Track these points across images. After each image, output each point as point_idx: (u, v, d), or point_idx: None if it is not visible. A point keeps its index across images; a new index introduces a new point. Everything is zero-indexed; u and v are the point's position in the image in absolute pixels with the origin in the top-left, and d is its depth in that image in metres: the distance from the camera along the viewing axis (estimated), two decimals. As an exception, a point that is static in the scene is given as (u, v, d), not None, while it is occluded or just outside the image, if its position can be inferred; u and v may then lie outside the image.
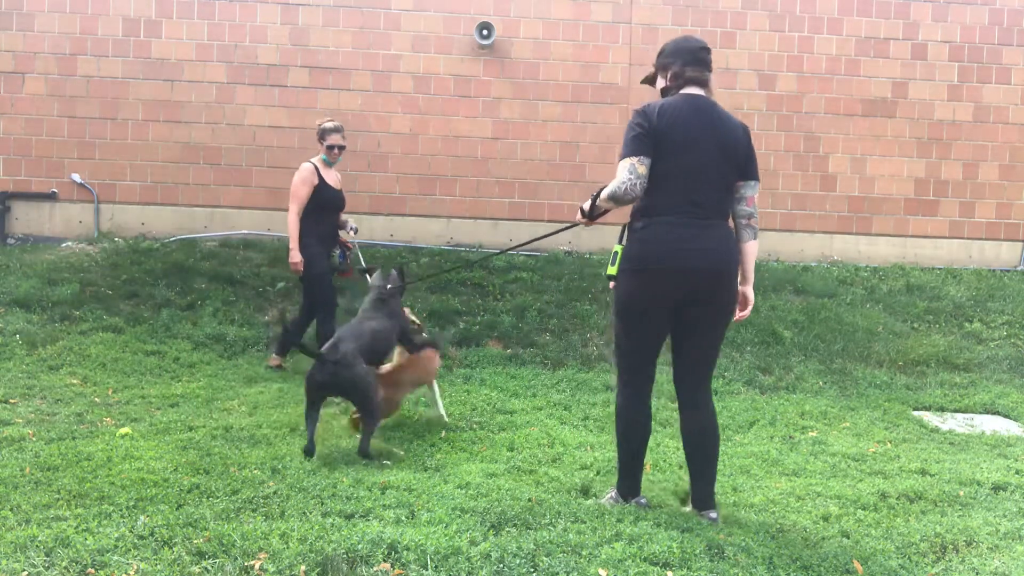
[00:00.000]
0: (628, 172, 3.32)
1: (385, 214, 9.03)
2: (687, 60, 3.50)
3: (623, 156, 3.36)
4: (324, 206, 6.07)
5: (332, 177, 6.19)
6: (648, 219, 3.39)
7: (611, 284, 3.53)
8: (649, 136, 3.35)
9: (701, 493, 3.54)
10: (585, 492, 3.89)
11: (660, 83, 3.60)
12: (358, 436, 4.35)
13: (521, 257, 8.41)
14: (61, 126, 8.82)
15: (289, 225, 5.95)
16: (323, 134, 6.11)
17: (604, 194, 3.42)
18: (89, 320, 6.75)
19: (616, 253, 3.48)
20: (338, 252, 6.18)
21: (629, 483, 3.61)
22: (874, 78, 9.27)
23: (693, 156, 3.37)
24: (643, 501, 3.61)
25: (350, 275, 6.34)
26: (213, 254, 8.26)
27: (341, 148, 6.16)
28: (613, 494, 3.66)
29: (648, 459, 4.36)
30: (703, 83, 3.50)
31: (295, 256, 5.91)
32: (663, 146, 3.35)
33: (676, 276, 3.36)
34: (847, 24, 9.25)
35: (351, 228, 6.34)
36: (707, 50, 3.55)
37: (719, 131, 3.41)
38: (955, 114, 9.35)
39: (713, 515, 3.49)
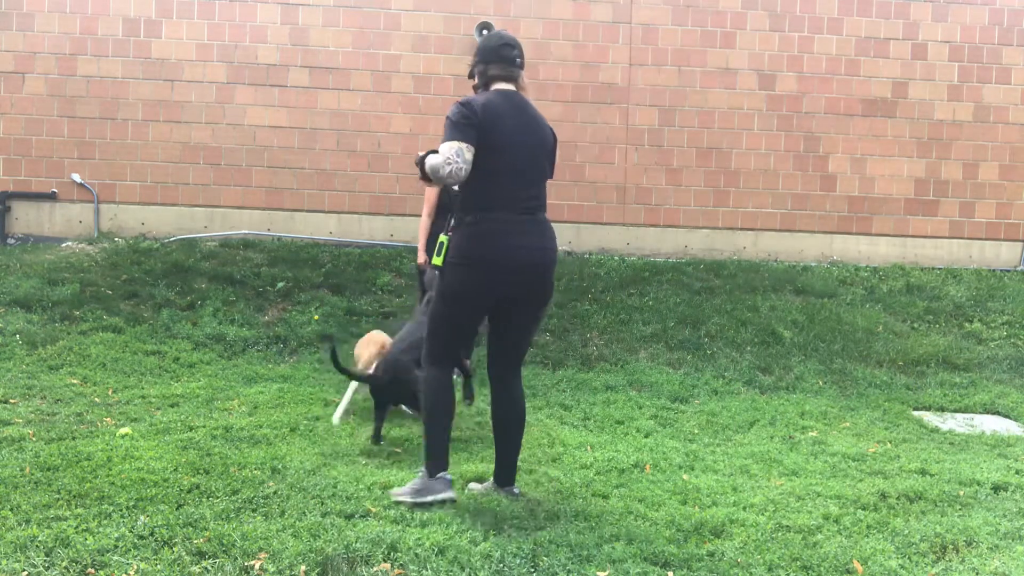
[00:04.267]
0: (456, 154, 3.36)
1: (385, 214, 9.02)
2: (489, 59, 3.62)
3: (450, 138, 3.38)
4: (446, 207, 6.25)
5: None
6: (480, 214, 3.49)
7: (436, 272, 3.62)
8: (474, 128, 3.42)
9: (508, 471, 3.72)
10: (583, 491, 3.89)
11: (472, 82, 3.73)
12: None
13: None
14: (61, 126, 8.82)
15: (419, 227, 6.31)
16: None
17: (427, 165, 3.46)
18: (89, 320, 6.75)
19: (442, 244, 3.56)
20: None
21: (444, 459, 3.59)
22: (874, 78, 9.27)
23: (520, 154, 3.53)
24: (448, 477, 3.57)
25: None
26: (213, 254, 8.26)
27: None
28: (420, 477, 3.57)
29: (648, 459, 4.37)
30: (511, 79, 3.61)
31: (419, 256, 6.22)
32: (489, 142, 3.44)
33: (507, 272, 3.50)
34: (847, 24, 9.25)
35: None
36: (511, 46, 3.62)
37: (537, 131, 3.62)
38: (955, 114, 9.34)
39: (516, 491, 3.69)
